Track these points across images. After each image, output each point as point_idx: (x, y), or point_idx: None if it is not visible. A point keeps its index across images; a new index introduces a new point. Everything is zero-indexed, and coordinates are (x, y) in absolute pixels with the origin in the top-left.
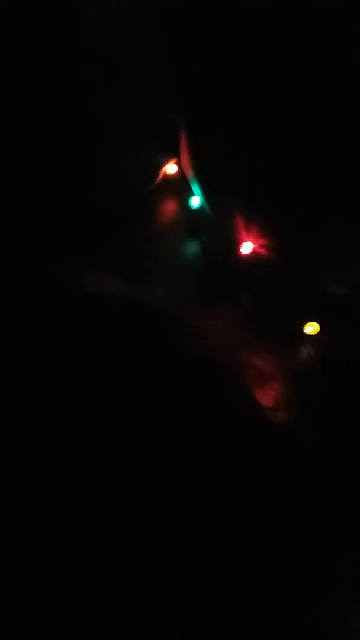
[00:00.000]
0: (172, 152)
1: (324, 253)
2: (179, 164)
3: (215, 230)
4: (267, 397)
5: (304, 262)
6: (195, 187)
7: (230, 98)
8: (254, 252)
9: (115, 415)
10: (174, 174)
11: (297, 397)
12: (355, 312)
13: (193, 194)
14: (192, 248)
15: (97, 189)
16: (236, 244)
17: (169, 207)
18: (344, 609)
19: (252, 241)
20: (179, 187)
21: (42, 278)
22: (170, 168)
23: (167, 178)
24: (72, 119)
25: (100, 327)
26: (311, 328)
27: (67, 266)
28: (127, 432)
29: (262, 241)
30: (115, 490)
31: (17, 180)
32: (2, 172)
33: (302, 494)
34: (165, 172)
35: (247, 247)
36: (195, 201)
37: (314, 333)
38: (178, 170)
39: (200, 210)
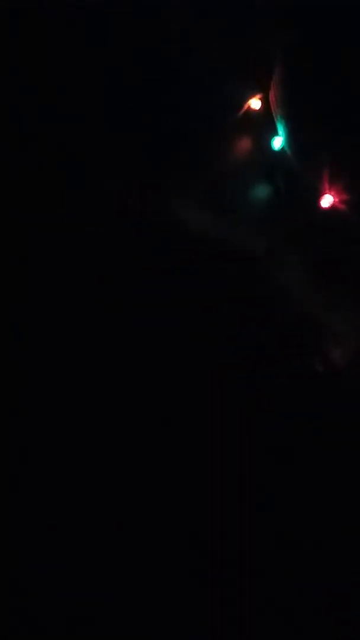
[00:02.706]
0: (260, 87)
1: None
2: (264, 99)
3: (295, 176)
4: (333, 353)
5: None
6: (281, 128)
7: (341, 38)
8: (333, 207)
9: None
10: (257, 109)
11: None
12: None
13: (276, 135)
14: (267, 191)
15: (176, 114)
16: (316, 195)
17: (248, 144)
18: None
19: (333, 195)
20: (261, 125)
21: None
22: (255, 103)
23: (250, 113)
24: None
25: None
26: None
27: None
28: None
29: (344, 197)
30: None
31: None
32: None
33: None
34: (249, 107)
35: (327, 200)
36: (278, 142)
37: None
38: (263, 106)
39: (281, 152)
